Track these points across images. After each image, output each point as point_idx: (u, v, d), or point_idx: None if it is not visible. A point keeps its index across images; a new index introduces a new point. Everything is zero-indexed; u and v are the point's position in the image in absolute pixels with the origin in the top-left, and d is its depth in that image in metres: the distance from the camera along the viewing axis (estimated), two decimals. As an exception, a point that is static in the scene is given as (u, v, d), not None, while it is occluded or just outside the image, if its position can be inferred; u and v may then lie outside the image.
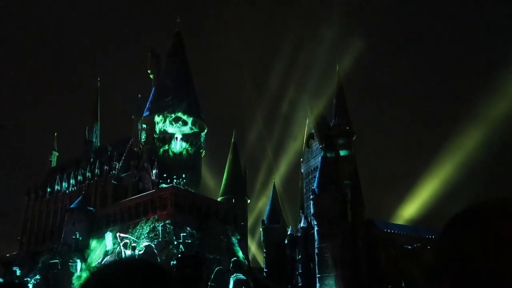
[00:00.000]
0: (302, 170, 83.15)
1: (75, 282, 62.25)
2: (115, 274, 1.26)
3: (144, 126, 75.74)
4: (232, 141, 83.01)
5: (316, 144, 79.98)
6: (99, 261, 64.16)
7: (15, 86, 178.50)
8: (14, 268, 69.65)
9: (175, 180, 69.11)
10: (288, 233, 79.45)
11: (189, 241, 61.23)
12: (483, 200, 1.24)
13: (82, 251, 66.21)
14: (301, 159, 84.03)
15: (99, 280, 1.27)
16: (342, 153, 74.66)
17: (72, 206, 70.78)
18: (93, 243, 67.25)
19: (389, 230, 71.09)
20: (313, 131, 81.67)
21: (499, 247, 1.13)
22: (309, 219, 74.25)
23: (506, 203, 1.21)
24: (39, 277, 63.25)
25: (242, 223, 73.39)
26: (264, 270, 78.91)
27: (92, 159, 77.97)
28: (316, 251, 67.72)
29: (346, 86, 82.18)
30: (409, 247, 69.39)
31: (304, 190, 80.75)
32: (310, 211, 72.43)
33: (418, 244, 69.38)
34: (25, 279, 64.89)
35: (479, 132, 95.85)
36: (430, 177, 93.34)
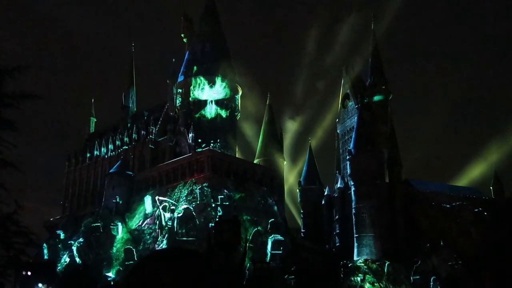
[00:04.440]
0: (338, 131, 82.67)
1: (117, 244, 63.82)
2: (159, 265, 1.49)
3: (180, 90, 76.19)
4: (267, 103, 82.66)
5: (352, 104, 79.31)
6: (139, 223, 65.50)
7: (51, 55, 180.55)
8: (58, 232, 71.65)
9: (212, 144, 69.52)
10: (325, 193, 79.56)
11: (227, 203, 61.89)
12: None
13: (123, 214, 67.66)
14: (337, 120, 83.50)
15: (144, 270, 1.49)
16: (379, 113, 73.88)
17: (111, 170, 72.10)
18: (133, 206, 68.54)
19: (426, 190, 70.52)
20: (348, 91, 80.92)
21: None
22: (346, 180, 74.15)
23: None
24: (82, 240, 65.04)
25: (279, 185, 73.58)
26: (302, 230, 79.37)
27: (129, 124, 78.90)
28: (353, 211, 67.75)
29: (382, 45, 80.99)
30: (447, 206, 68.85)
31: (340, 151, 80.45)
32: (347, 171, 72.29)
33: (457, 203, 68.77)
34: (68, 242, 66.84)
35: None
36: (471, 137, 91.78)
